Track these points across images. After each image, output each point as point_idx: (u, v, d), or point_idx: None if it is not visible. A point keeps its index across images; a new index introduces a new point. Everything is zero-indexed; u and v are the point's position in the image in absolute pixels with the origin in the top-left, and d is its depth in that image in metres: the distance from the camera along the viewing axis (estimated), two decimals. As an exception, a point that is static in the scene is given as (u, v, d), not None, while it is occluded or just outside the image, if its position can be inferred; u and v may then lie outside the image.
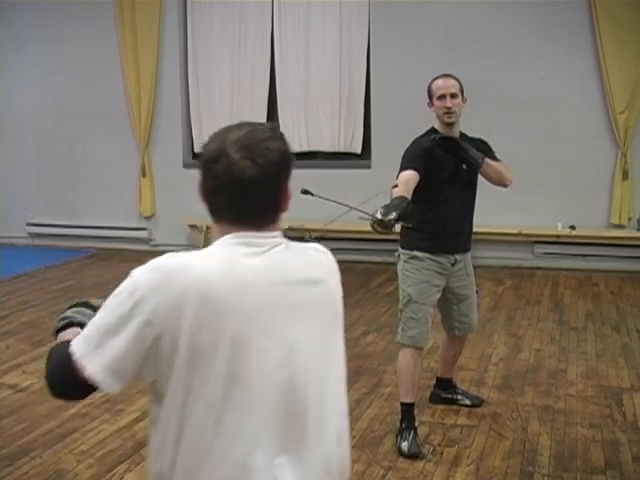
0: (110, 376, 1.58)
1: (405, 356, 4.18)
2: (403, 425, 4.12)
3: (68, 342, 1.63)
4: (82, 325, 1.75)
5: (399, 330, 4.20)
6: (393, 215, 3.29)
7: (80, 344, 1.60)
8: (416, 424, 4.17)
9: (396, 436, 4.13)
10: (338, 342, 1.77)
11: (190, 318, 1.53)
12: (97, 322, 1.61)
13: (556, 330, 6.25)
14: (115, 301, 1.60)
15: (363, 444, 4.16)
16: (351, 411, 4.58)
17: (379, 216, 3.28)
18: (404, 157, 4.01)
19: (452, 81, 4.08)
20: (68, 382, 1.63)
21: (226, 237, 1.65)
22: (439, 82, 4.08)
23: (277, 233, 1.70)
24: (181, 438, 1.58)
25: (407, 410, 4.17)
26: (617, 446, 4.09)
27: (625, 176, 8.15)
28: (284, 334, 1.63)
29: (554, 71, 8.22)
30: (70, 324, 1.84)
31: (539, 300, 7.21)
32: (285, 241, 1.71)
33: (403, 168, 3.93)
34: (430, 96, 4.10)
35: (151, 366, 1.58)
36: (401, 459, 3.96)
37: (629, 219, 8.22)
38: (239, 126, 1.66)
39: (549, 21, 8.20)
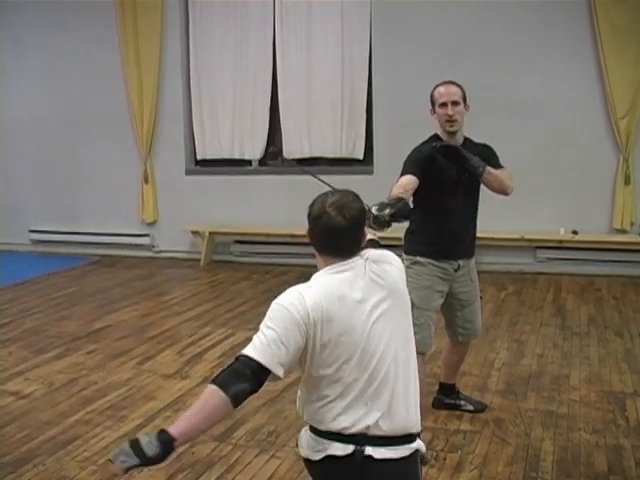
0: (280, 367, 2.22)
1: None
2: None
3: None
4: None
5: None
6: (387, 211, 3.27)
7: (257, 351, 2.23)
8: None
9: None
10: (411, 334, 2.62)
11: (317, 327, 2.27)
12: (266, 335, 2.24)
13: (559, 335, 6.24)
14: (268, 323, 2.26)
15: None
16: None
17: (374, 212, 3.26)
18: (405, 163, 4.02)
19: (454, 88, 4.08)
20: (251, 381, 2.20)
21: (326, 268, 2.39)
22: (441, 89, 4.08)
23: (358, 258, 2.42)
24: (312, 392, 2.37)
25: None
26: (620, 451, 4.08)
27: (627, 181, 8.14)
28: (371, 328, 2.35)
29: (555, 77, 8.22)
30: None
31: (541, 305, 7.21)
32: (364, 261, 2.42)
33: (402, 173, 3.95)
34: (432, 103, 4.11)
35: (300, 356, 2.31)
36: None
37: (631, 224, 8.21)
38: (333, 193, 2.42)
39: (550, 27, 8.20)
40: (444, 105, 4.02)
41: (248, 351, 2.21)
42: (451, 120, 4.02)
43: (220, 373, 2.19)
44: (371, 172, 8.83)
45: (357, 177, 8.92)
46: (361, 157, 9.19)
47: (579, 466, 3.92)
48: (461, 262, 4.23)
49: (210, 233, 9.55)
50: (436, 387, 4.77)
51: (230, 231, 9.59)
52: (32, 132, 10.45)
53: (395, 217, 3.32)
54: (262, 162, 9.72)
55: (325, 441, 2.34)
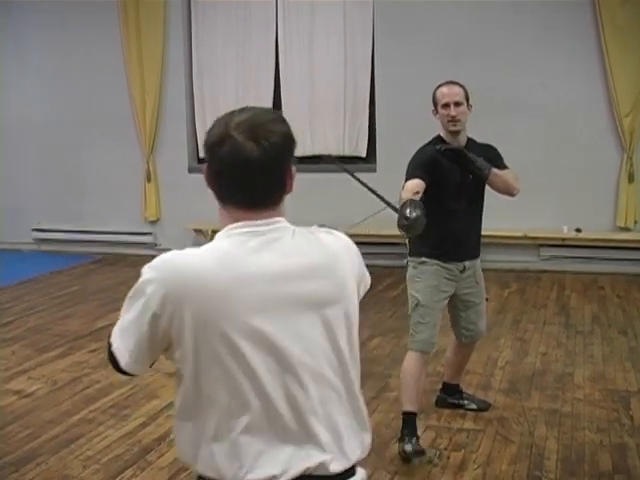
0: (134, 362, 1.77)
1: (410, 361, 4.13)
2: (405, 432, 4.04)
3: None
4: None
5: (409, 336, 4.17)
6: (418, 212, 3.30)
7: (114, 336, 1.77)
8: (418, 434, 4.07)
9: (398, 442, 4.05)
10: (344, 341, 1.84)
11: (191, 311, 1.62)
12: (121, 319, 1.76)
13: (562, 333, 6.23)
14: (130, 300, 1.74)
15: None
16: (357, 416, 4.59)
17: (407, 213, 3.26)
18: (409, 166, 3.96)
19: (457, 89, 4.03)
20: (113, 364, 1.80)
21: (230, 227, 1.71)
22: (443, 90, 4.03)
23: (281, 219, 1.74)
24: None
25: (409, 420, 4.08)
26: (625, 450, 4.07)
27: (631, 179, 8.13)
28: (283, 329, 1.67)
29: (559, 75, 8.20)
30: None
31: (545, 303, 7.19)
32: (291, 228, 1.75)
33: (409, 177, 3.88)
34: (435, 104, 4.05)
35: (165, 350, 1.75)
36: (407, 464, 3.95)
37: (635, 222, 8.19)
38: (242, 110, 1.72)
39: (553, 26, 8.19)
40: (446, 106, 3.98)
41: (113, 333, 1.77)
42: (454, 120, 3.97)
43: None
44: (374, 170, 8.81)
45: (360, 175, 8.89)
46: (364, 155, 9.17)
47: (583, 465, 3.92)
48: (467, 263, 4.19)
49: (213, 231, 9.50)
50: (439, 386, 4.76)
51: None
52: (35, 131, 10.44)
53: (419, 219, 3.36)
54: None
55: None
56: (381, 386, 5.08)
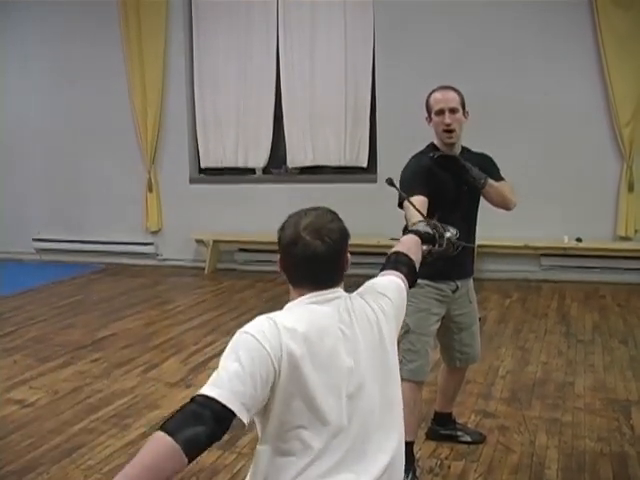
0: (245, 410, 1.84)
1: (404, 392, 3.75)
2: None
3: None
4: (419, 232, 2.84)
5: (399, 364, 3.87)
6: (452, 232, 3.00)
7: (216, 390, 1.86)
8: (416, 464, 3.94)
9: None
10: (394, 365, 2.27)
11: (286, 357, 1.92)
12: (227, 369, 1.89)
13: (563, 343, 6.23)
14: (232, 356, 1.92)
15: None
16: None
17: (449, 235, 2.97)
18: (406, 179, 3.66)
19: (452, 94, 3.72)
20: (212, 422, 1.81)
21: (303, 297, 2.07)
22: (437, 95, 3.73)
23: (340, 289, 2.14)
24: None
25: (406, 450, 3.89)
26: (625, 459, 4.06)
27: (631, 188, 8.14)
28: (352, 368, 2.04)
29: (558, 84, 8.23)
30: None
31: (546, 313, 7.20)
32: (347, 295, 2.15)
33: (409, 194, 3.35)
34: (428, 111, 3.76)
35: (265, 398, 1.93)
36: (408, 473, 3.94)
37: (635, 231, 8.20)
38: (307, 214, 2.08)
39: (553, 34, 8.22)
40: (441, 112, 3.67)
41: (205, 389, 1.82)
42: (449, 130, 3.69)
43: (170, 417, 1.77)
44: (375, 180, 8.82)
45: (361, 185, 8.97)
46: (365, 165, 9.20)
47: (584, 474, 3.91)
48: (459, 282, 3.89)
49: (214, 241, 9.56)
50: (435, 394, 4.65)
51: (234, 239, 9.60)
52: (37, 141, 10.48)
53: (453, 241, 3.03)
54: (266, 170, 9.74)
55: None
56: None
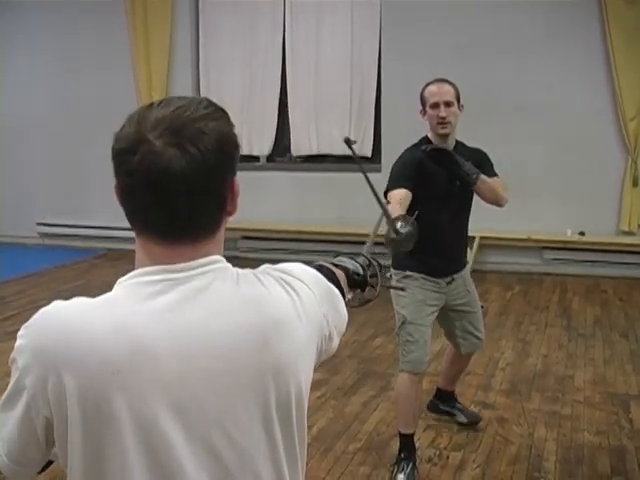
0: (17, 465, 1.28)
1: (404, 383, 3.84)
2: (402, 455, 3.85)
3: None
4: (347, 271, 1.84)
5: (399, 356, 3.87)
6: (410, 228, 2.92)
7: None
8: (417, 455, 3.94)
9: (393, 465, 3.88)
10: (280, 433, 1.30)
11: (73, 400, 1.18)
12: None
13: (564, 336, 6.24)
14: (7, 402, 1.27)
15: (370, 447, 4.17)
16: (358, 414, 4.62)
17: (410, 228, 2.90)
18: (393, 171, 3.69)
19: (447, 87, 3.74)
20: None
21: (137, 272, 1.27)
22: (432, 88, 3.77)
23: (215, 258, 1.27)
24: None
25: (406, 441, 3.89)
26: (624, 453, 4.09)
27: (635, 183, 8.13)
28: (199, 427, 1.22)
29: (565, 78, 8.22)
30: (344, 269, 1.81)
31: (547, 306, 7.21)
32: (230, 272, 1.28)
33: (393, 186, 3.56)
34: (423, 104, 3.79)
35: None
36: (407, 462, 3.96)
37: (638, 226, 8.20)
38: (164, 102, 1.24)
39: (560, 28, 8.20)
40: (436, 106, 3.70)
41: None
42: (443, 122, 3.68)
43: None
44: (379, 170, 8.80)
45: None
46: (369, 155, 9.19)
47: (582, 467, 3.94)
48: (454, 275, 3.92)
49: (216, 228, 9.55)
50: (435, 384, 4.68)
51: (237, 227, 9.58)
52: (41, 126, 10.47)
53: (411, 235, 3.01)
54: (270, 158, 9.74)
55: None
56: (382, 385, 5.10)
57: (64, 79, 10.29)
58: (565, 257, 8.47)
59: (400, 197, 3.46)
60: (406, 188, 3.52)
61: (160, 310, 1.20)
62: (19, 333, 1.28)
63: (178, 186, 1.17)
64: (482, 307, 4.26)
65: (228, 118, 1.27)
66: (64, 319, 1.23)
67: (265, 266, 1.37)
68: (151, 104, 1.23)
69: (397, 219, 2.96)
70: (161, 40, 9.73)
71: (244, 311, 1.25)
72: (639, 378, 5.22)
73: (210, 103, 1.25)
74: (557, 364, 5.54)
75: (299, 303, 1.33)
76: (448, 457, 4.06)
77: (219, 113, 1.25)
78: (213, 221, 1.26)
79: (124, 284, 1.25)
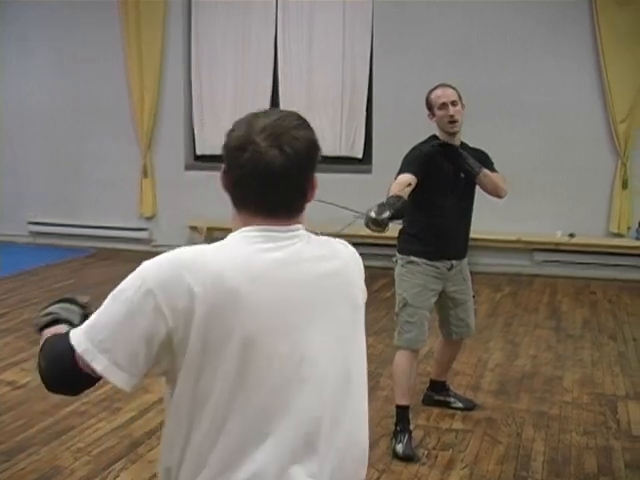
0: (120, 371, 1.54)
1: (401, 359, 4.22)
2: (398, 428, 4.15)
3: (64, 336, 1.58)
4: (69, 322, 1.77)
5: (396, 334, 4.26)
6: (387, 214, 3.32)
7: (82, 339, 1.54)
8: (411, 427, 4.21)
9: (391, 439, 4.15)
10: (356, 337, 1.76)
11: (201, 313, 1.48)
12: (102, 317, 1.55)
13: (553, 337, 6.27)
14: (122, 296, 1.54)
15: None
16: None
17: (373, 215, 3.31)
18: (403, 161, 4.04)
19: (450, 90, 4.11)
20: (68, 377, 1.60)
21: (245, 228, 1.62)
22: (438, 92, 4.12)
23: (299, 226, 1.66)
24: (189, 436, 1.54)
25: (402, 413, 4.20)
26: (610, 453, 4.12)
27: (625, 185, 8.18)
28: (298, 333, 1.58)
29: (555, 80, 8.26)
30: (56, 321, 1.78)
31: (537, 307, 7.24)
32: (306, 235, 1.67)
33: (401, 171, 3.97)
34: (430, 107, 4.13)
35: (162, 361, 1.56)
36: (395, 462, 3.99)
37: (628, 228, 8.25)
38: (266, 113, 1.63)
39: (552, 30, 8.24)
40: (444, 106, 4.05)
41: (77, 337, 1.56)
42: (453, 121, 4.04)
43: (48, 345, 1.65)
44: (370, 171, 8.85)
45: (356, 176, 8.98)
46: (360, 156, 9.21)
47: (569, 467, 3.97)
48: (454, 262, 4.28)
49: (208, 228, 9.56)
50: (427, 385, 4.81)
51: (228, 226, 9.52)
52: (32, 125, 10.45)
53: (394, 218, 3.36)
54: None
55: None
56: (372, 385, 5.10)
57: (56, 77, 10.27)
58: (555, 259, 8.50)
59: (403, 180, 3.85)
60: (412, 173, 3.90)
61: (263, 250, 1.58)
62: (147, 262, 1.59)
63: (276, 178, 1.56)
64: (474, 297, 4.57)
65: (312, 129, 1.65)
66: (192, 251, 1.59)
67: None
68: (256, 113, 1.63)
69: (382, 204, 3.41)
70: (153, 37, 9.71)
71: (314, 259, 1.66)
72: (627, 379, 5.26)
73: (300, 116, 1.65)
74: (546, 365, 5.58)
75: (352, 254, 1.80)
76: (437, 457, 4.08)
77: (307, 124, 1.64)
78: (298, 205, 1.65)
79: (234, 236, 1.63)
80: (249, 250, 1.58)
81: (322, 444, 1.58)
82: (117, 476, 3.88)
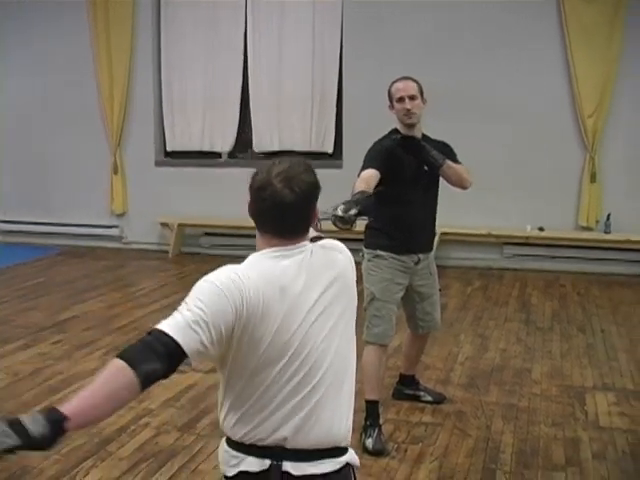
0: (197, 354, 1.92)
1: (370, 353, 4.22)
2: (368, 422, 4.16)
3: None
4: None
5: (364, 328, 4.21)
6: (353, 211, 3.31)
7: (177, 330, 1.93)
8: (381, 421, 4.23)
9: (360, 433, 4.14)
10: (352, 331, 2.21)
11: (250, 320, 1.97)
12: (192, 312, 1.94)
13: (522, 330, 6.32)
14: (192, 301, 1.96)
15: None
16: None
17: (340, 213, 3.29)
18: (365, 157, 4.06)
19: (411, 83, 4.14)
20: (162, 361, 1.88)
21: (267, 250, 2.09)
22: (398, 85, 4.15)
23: (306, 243, 2.16)
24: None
25: (372, 408, 4.21)
26: (578, 444, 4.16)
27: (593, 179, 8.25)
28: (306, 329, 2.05)
29: (524, 75, 8.31)
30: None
31: (507, 301, 7.29)
32: (311, 248, 2.16)
33: (364, 167, 3.98)
34: (390, 99, 4.17)
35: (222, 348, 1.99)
36: (365, 456, 3.99)
37: (597, 221, 8.32)
38: (281, 162, 2.10)
39: (519, 26, 8.29)
40: (401, 100, 4.09)
41: (164, 326, 1.93)
42: (409, 113, 4.08)
43: (129, 347, 1.89)
44: (340, 166, 8.86)
45: (326, 171, 8.79)
46: (330, 151, 9.23)
47: (537, 458, 4.00)
48: (421, 255, 4.29)
49: (179, 225, 9.54)
50: (397, 379, 4.82)
51: (199, 223, 9.59)
52: (2, 123, 10.36)
53: (361, 215, 3.36)
54: (232, 155, 9.74)
55: (239, 455, 2.07)
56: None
57: (25, 79, 10.18)
58: (525, 252, 8.58)
59: (367, 176, 3.89)
60: (373, 168, 3.94)
61: (283, 266, 2.07)
62: (209, 276, 2.01)
63: (288, 209, 2.05)
64: (440, 290, 4.58)
65: (315, 173, 2.12)
66: (235, 267, 2.04)
67: (325, 240, 2.28)
68: (273, 162, 2.10)
69: (348, 201, 3.43)
70: (123, 39, 9.66)
71: (321, 267, 2.15)
72: (595, 371, 5.31)
73: (306, 163, 2.13)
74: (515, 358, 5.62)
75: (348, 259, 2.26)
76: (406, 450, 4.10)
77: (311, 169, 2.12)
78: (304, 228, 2.16)
79: (257, 256, 2.09)
80: (270, 264, 2.07)
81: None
82: (86, 474, 3.86)
